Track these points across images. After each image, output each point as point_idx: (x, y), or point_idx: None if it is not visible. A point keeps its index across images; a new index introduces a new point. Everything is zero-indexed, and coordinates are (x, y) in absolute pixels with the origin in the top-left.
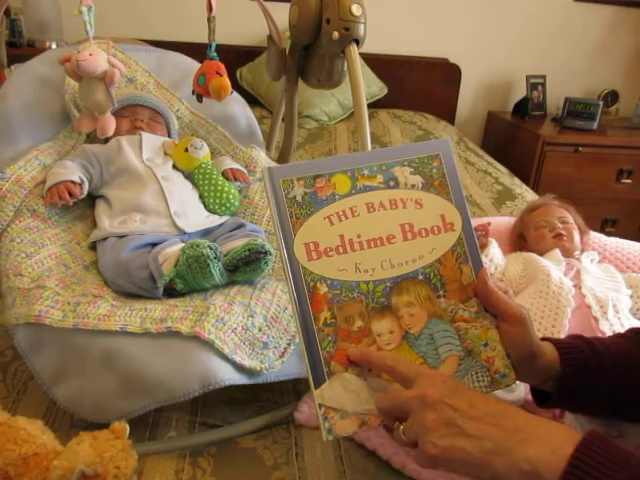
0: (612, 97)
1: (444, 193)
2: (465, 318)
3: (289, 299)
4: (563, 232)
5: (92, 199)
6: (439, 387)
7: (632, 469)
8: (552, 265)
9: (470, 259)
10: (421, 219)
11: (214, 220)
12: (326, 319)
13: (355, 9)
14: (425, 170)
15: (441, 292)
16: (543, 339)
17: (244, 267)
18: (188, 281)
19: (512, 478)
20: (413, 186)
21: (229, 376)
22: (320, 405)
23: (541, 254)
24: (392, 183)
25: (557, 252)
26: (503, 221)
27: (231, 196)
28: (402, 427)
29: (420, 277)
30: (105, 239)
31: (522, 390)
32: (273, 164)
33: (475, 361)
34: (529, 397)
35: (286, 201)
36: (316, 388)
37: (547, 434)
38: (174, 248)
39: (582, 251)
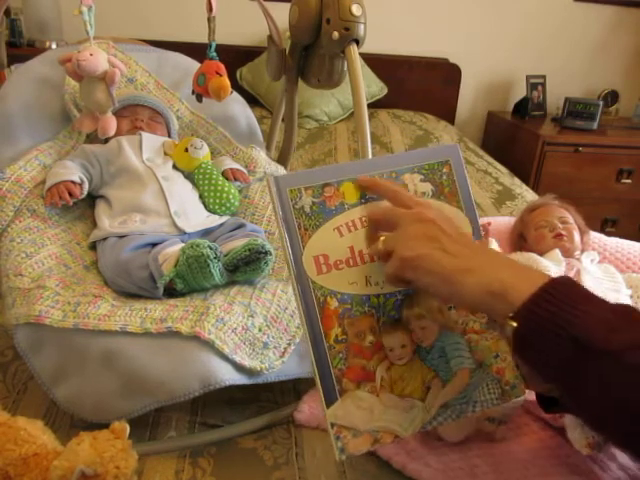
0: (612, 97)
1: (454, 201)
2: (476, 330)
3: (298, 315)
4: (563, 232)
5: (92, 199)
6: (435, 213)
7: (596, 305)
8: (552, 265)
9: None
10: None
11: (214, 220)
12: (337, 335)
13: (355, 9)
14: (435, 177)
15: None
16: None
17: (244, 267)
18: (188, 281)
19: (476, 297)
20: (423, 194)
21: (229, 376)
22: (332, 424)
23: (541, 254)
24: None
25: (557, 252)
26: (503, 221)
27: (231, 196)
28: (383, 236)
29: None
30: (105, 239)
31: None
32: (273, 164)
33: (486, 373)
34: (529, 397)
35: (294, 212)
36: (328, 407)
37: (526, 269)
38: (174, 248)
39: (582, 251)
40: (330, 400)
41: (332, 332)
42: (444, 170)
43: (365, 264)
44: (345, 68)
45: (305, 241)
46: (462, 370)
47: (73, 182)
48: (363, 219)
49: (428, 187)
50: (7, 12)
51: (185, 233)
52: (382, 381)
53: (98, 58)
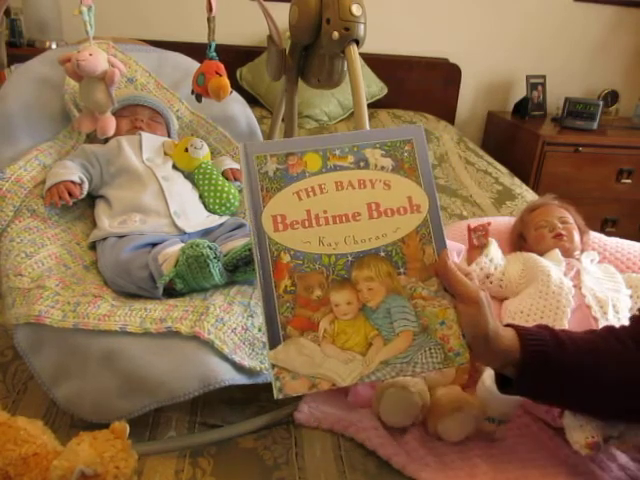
0: (612, 97)
1: (413, 176)
2: (424, 296)
3: (255, 266)
4: (563, 232)
5: (92, 199)
6: None
7: None
8: (552, 265)
9: (434, 241)
10: (388, 199)
11: (214, 220)
12: (286, 287)
13: (355, 9)
14: (396, 153)
15: (402, 269)
16: (508, 325)
17: (244, 267)
18: (188, 281)
19: None
20: (383, 168)
21: (229, 376)
22: (273, 365)
23: (541, 254)
24: (362, 164)
25: (557, 252)
26: (503, 221)
27: (231, 196)
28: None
29: (382, 254)
30: (105, 239)
31: None
32: None
33: (430, 338)
34: None
35: (258, 176)
36: (271, 349)
37: None
38: (174, 248)
39: (582, 251)
40: (274, 343)
41: (282, 283)
42: (406, 148)
43: (320, 226)
44: (345, 68)
45: (266, 201)
46: (405, 332)
47: (73, 182)
48: (322, 186)
49: (389, 162)
50: (7, 12)
51: (185, 233)
52: (325, 332)
53: (98, 58)
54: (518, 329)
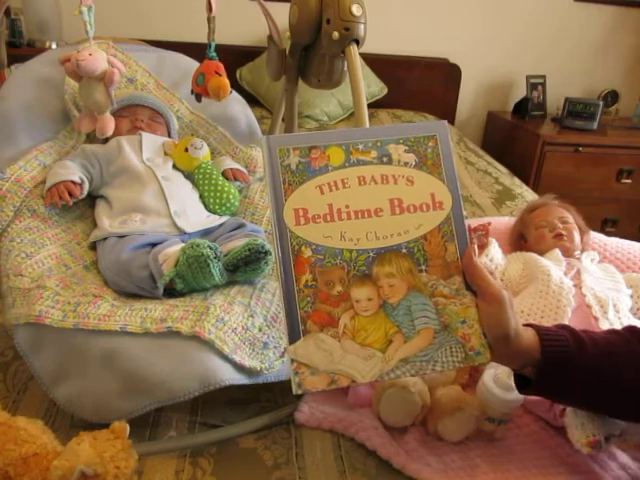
0: (612, 97)
1: (436, 173)
2: (445, 294)
3: (275, 260)
4: (563, 232)
5: (92, 199)
6: None
7: None
8: (552, 265)
9: (456, 238)
10: (411, 196)
11: (214, 220)
12: (307, 281)
13: (355, 9)
14: (420, 149)
15: (423, 267)
16: (527, 325)
17: (244, 267)
18: (188, 281)
19: None
20: (406, 164)
21: (229, 376)
22: (293, 360)
23: (541, 254)
24: (385, 159)
25: (557, 252)
26: (503, 221)
27: (231, 196)
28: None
29: (404, 250)
30: (105, 239)
31: None
32: None
33: (451, 336)
34: (529, 397)
35: (281, 168)
36: (291, 344)
37: None
38: (174, 248)
39: (582, 251)
40: (293, 338)
41: (303, 277)
42: (429, 144)
43: (342, 221)
44: (345, 68)
45: (288, 195)
46: (426, 329)
47: (73, 182)
48: (345, 181)
49: (412, 158)
50: (7, 12)
51: (185, 233)
52: (345, 328)
53: (97, 58)
54: (538, 329)
